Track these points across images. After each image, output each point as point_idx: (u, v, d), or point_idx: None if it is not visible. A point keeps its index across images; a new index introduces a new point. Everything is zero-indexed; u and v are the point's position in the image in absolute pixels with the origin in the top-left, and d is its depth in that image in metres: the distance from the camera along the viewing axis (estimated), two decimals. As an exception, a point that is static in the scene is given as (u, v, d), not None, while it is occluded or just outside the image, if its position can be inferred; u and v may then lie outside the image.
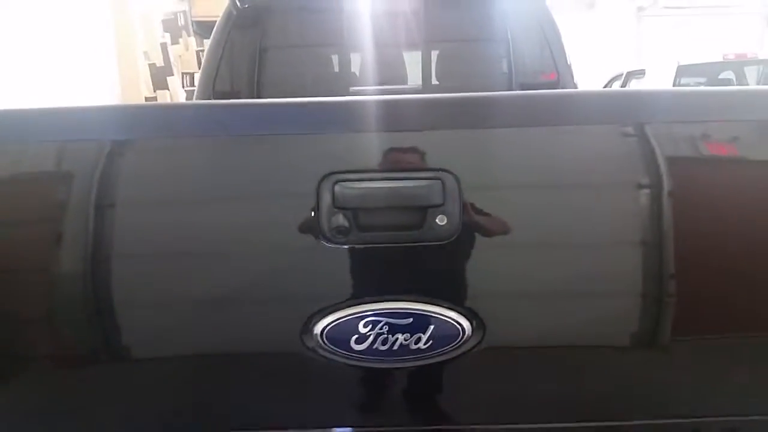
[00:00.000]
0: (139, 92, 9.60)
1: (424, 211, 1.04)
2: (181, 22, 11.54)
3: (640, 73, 9.69)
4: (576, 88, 2.91)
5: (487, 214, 1.06)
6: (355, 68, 3.48)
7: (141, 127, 1.11)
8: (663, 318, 1.09)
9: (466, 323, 1.05)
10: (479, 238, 1.06)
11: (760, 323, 1.11)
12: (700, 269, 1.08)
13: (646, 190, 1.08)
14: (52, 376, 1.15)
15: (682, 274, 1.07)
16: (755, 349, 1.12)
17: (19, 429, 1.20)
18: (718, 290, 1.09)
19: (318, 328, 1.05)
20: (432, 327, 1.04)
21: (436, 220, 1.04)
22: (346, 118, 1.08)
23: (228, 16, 3.04)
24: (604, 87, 9.51)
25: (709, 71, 8.92)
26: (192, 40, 11.19)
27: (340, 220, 1.03)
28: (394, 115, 1.07)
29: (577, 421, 1.11)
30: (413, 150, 1.05)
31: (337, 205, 1.03)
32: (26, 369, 1.16)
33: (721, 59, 9.30)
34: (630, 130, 1.08)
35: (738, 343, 1.12)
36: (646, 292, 1.09)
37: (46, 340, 1.13)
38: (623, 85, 9.51)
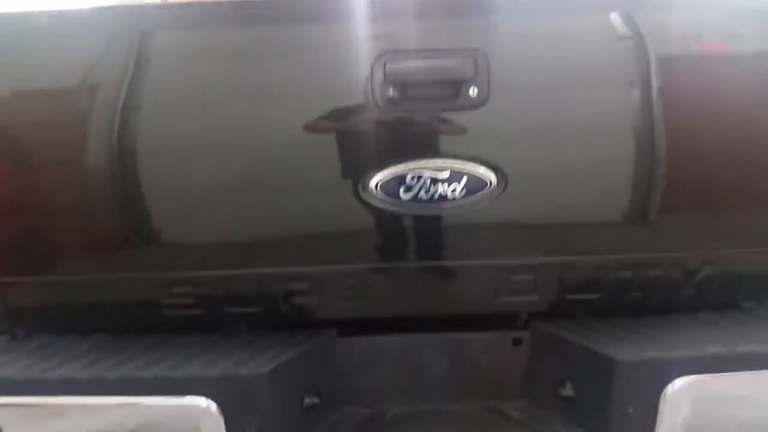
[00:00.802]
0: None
1: (459, 83, 1.27)
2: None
3: None
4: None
5: (511, 87, 1.29)
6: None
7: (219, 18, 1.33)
8: (654, 179, 1.34)
9: (492, 176, 1.30)
10: (504, 107, 1.29)
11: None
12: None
13: (651, 69, 1.30)
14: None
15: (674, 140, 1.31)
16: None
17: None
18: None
19: (373, 182, 1.30)
20: (465, 179, 1.29)
21: (469, 91, 1.27)
22: (396, 7, 1.29)
23: None
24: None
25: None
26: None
27: (391, 91, 1.26)
28: (433, 4, 1.29)
29: (579, 255, 1.38)
30: (451, 32, 1.28)
31: (388, 79, 1.26)
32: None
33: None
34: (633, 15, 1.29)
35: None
36: (640, 166, 1.34)
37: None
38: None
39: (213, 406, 1.30)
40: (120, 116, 1.31)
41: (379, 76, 1.26)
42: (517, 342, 1.50)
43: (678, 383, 1.27)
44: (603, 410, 1.32)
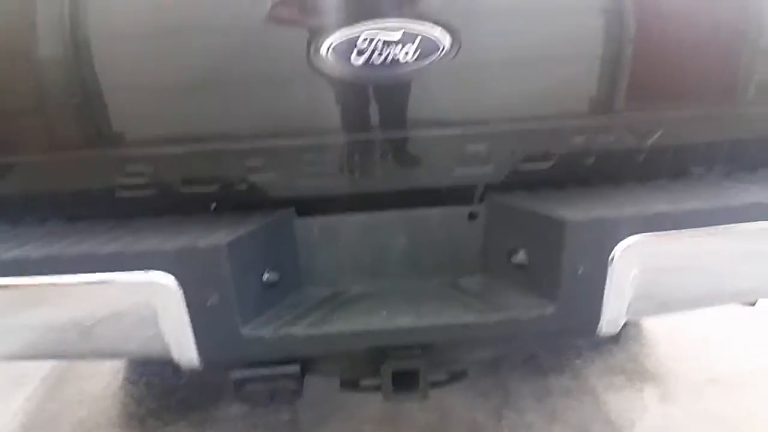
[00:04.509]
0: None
1: None
2: None
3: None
4: None
5: None
6: None
7: None
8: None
9: (446, 39, 1.29)
10: None
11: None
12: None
13: None
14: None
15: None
16: None
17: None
18: None
19: (324, 46, 1.28)
20: (418, 40, 1.28)
21: None
22: None
23: None
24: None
25: None
26: None
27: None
28: None
29: (532, 122, 1.39)
30: None
31: None
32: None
33: None
34: None
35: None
36: (592, 32, 1.35)
37: None
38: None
39: (172, 279, 1.30)
40: None
41: None
42: (472, 216, 1.52)
43: (627, 242, 1.31)
44: (554, 273, 1.35)
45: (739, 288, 1.51)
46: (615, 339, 2.74)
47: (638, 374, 2.68)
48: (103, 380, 2.86)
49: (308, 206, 1.50)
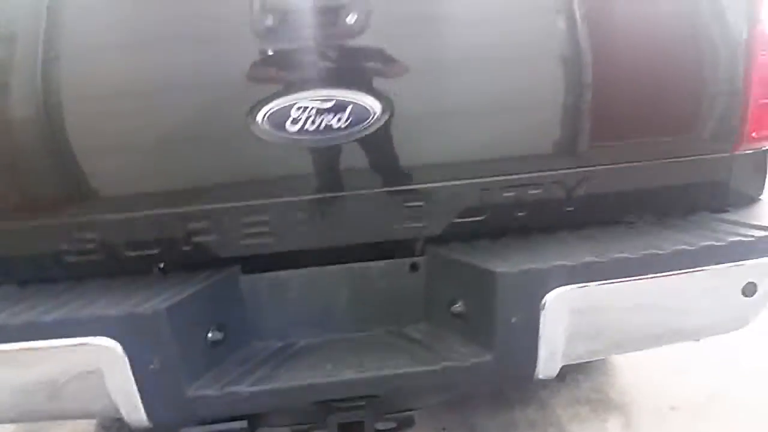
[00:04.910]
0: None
1: (336, 9, 1.30)
2: None
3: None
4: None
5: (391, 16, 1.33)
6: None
7: None
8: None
9: (377, 105, 1.34)
10: (388, 37, 1.34)
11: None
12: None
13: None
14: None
15: None
16: None
17: None
18: None
19: (260, 115, 1.33)
20: (349, 108, 1.33)
21: (347, 18, 1.30)
22: None
23: None
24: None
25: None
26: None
27: (270, 20, 1.29)
28: None
29: (464, 179, 1.45)
30: None
31: (266, 8, 1.29)
32: None
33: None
34: None
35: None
36: (517, 90, 1.43)
37: None
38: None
39: (116, 344, 1.33)
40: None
41: (257, 4, 1.29)
42: (414, 268, 1.57)
43: (555, 292, 1.36)
44: (489, 322, 1.40)
45: (674, 329, 1.56)
46: (582, 369, 2.79)
47: (602, 404, 2.71)
48: (78, 426, 2.85)
49: (254, 264, 1.54)
